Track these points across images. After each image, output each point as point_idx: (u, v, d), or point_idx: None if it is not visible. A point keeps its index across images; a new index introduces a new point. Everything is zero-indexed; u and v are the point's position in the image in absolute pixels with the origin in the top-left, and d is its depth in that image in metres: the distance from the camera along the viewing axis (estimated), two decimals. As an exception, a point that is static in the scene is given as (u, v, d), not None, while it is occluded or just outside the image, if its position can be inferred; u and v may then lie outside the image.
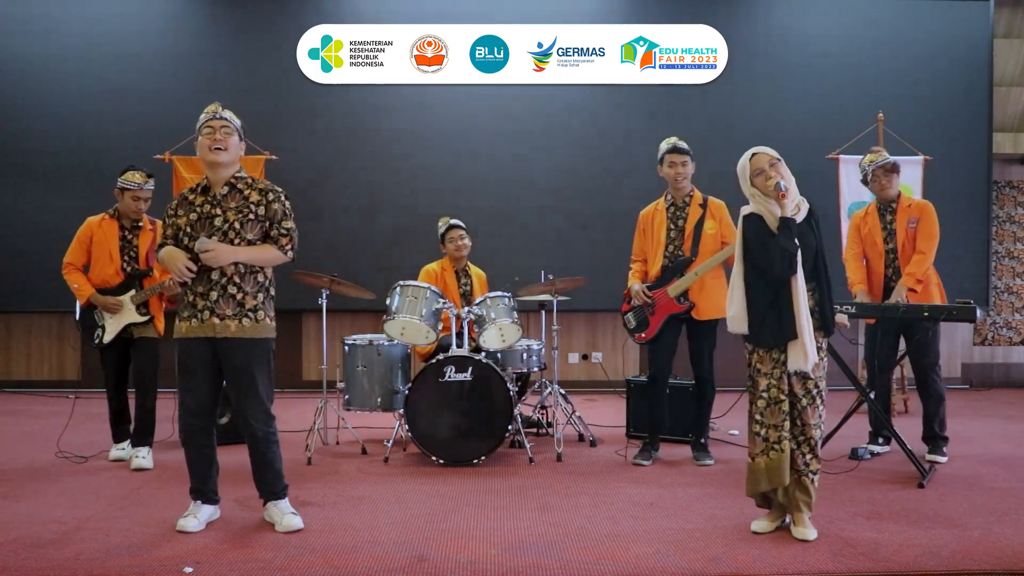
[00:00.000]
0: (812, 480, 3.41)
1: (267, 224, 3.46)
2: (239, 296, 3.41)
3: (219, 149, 3.39)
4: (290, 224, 3.49)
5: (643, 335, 4.76)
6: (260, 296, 3.46)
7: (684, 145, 4.68)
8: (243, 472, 3.68)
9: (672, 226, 4.72)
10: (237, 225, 3.41)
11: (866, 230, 4.92)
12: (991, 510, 3.77)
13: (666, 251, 4.70)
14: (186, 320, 3.44)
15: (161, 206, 4.82)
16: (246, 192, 3.46)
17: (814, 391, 3.38)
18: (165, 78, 7.38)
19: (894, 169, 4.83)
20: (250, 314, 3.42)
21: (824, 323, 3.41)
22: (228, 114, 3.48)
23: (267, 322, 3.47)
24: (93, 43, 7.39)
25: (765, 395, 3.38)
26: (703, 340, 4.70)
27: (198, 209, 3.43)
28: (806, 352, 3.27)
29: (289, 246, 3.47)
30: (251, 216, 3.42)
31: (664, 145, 4.73)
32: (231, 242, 3.39)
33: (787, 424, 3.36)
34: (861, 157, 5.01)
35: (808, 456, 3.40)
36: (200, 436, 3.50)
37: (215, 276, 3.39)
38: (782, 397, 3.36)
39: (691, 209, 4.69)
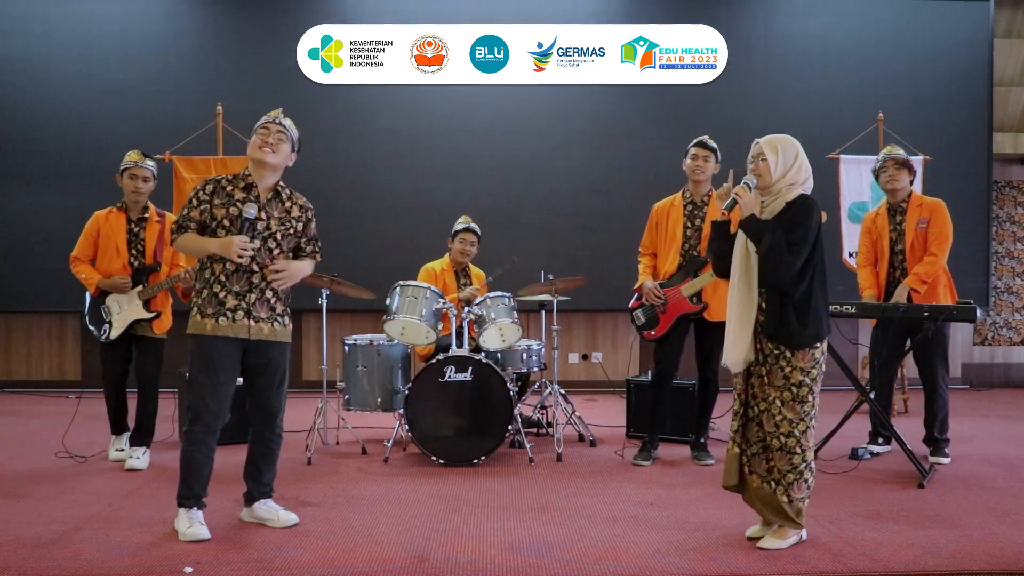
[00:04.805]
0: (774, 490, 3.21)
1: (300, 239, 3.55)
2: (272, 301, 3.46)
3: (267, 149, 3.39)
4: (316, 233, 3.63)
5: (652, 332, 4.75)
6: (287, 302, 3.55)
7: (712, 143, 4.68)
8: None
9: (689, 224, 4.70)
10: (278, 236, 3.45)
11: (876, 231, 4.86)
12: (991, 510, 3.77)
13: (682, 249, 4.69)
14: (211, 317, 3.35)
15: (161, 205, 4.85)
16: (288, 204, 3.50)
17: (772, 395, 3.20)
18: (165, 78, 7.39)
19: (905, 164, 4.77)
20: (279, 319, 3.49)
21: (766, 326, 3.21)
22: (288, 123, 3.48)
23: (290, 327, 3.57)
24: (93, 43, 7.39)
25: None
26: (714, 340, 4.68)
27: (239, 204, 3.39)
28: (726, 349, 3.30)
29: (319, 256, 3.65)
30: (291, 231, 3.50)
31: (695, 139, 4.74)
32: (269, 250, 3.42)
33: (735, 425, 3.33)
34: (862, 157, 4.99)
35: (770, 463, 3.22)
36: (212, 438, 3.41)
37: (256, 279, 3.41)
38: (736, 396, 3.35)
39: (709, 209, 4.67)
